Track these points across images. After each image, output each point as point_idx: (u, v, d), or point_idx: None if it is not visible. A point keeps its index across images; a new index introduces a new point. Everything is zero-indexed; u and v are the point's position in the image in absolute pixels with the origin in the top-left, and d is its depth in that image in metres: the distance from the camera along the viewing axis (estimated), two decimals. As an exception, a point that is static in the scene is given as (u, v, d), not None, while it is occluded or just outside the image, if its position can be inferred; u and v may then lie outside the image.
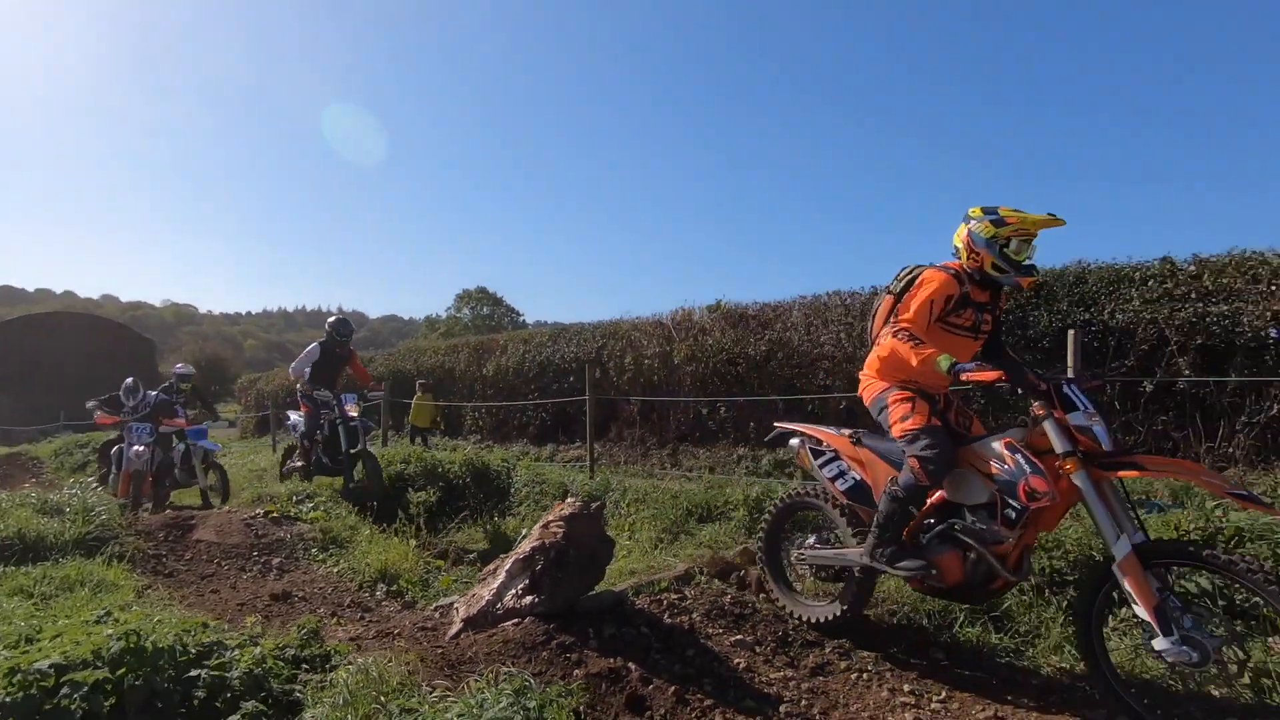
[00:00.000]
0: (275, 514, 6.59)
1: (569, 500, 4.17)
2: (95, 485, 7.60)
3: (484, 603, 3.59)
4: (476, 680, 2.45)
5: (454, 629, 3.73)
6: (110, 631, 2.32)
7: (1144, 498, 6.16)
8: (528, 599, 3.38)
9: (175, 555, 5.85)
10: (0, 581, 4.56)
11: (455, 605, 3.92)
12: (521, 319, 54.40)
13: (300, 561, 5.95)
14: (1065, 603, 3.38)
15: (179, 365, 10.64)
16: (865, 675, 3.21)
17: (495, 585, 3.58)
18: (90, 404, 8.65)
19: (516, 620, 3.32)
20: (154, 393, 8.85)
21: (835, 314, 11.05)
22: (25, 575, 4.69)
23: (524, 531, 5.30)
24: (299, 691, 2.55)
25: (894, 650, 3.44)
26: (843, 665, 3.32)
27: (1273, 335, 7.29)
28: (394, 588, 5.28)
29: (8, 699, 1.96)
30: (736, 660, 3.24)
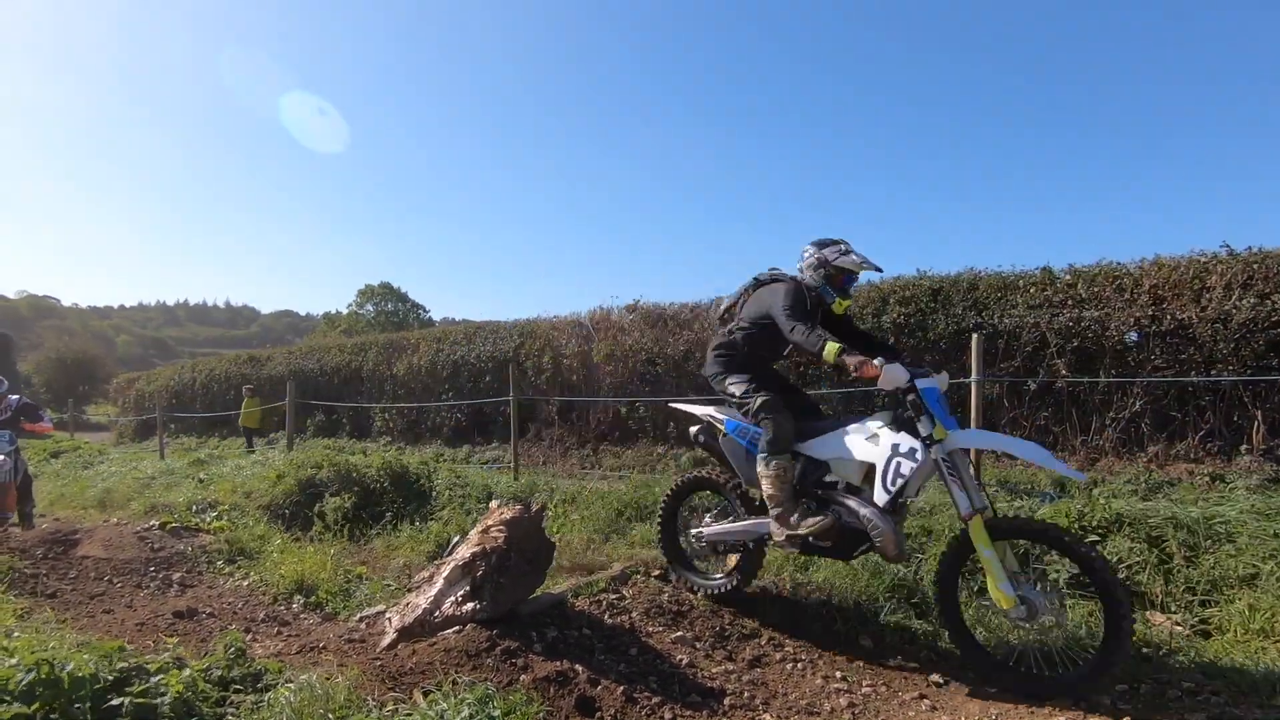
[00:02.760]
0: (173, 525, 6.12)
1: (502, 503, 4.13)
2: None
3: (420, 611, 3.49)
4: (431, 693, 2.39)
5: (387, 639, 3.61)
6: (15, 661, 2.10)
7: (1031, 487, 6.72)
8: (468, 605, 3.32)
9: (58, 574, 5.32)
10: None
11: (387, 615, 3.80)
12: (428, 315, 52.85)
13: (204, 575, 5.56)
14: (977, 588, 3.66)
15: None
16: (799, 665, 3.37)
17: (432, 593, 3.50)
18: None
19: (458, 628, 3.26)
20: (15, 396, 7.87)
21: (751, 315, 11.38)
22: (-125, 604, 4.15)
23: (454, 537, 5.18)
24: (231, 715, 2.40)
25: (824, 640, 3.62)
26: (777, 656, 3.46)
27: (1132, 338, 8.14)
28: (312, 599, 5.03)
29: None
30: (679, 657, 3.32)
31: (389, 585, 5.06)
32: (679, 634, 3.55)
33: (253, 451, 13.41)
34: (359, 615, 4.65)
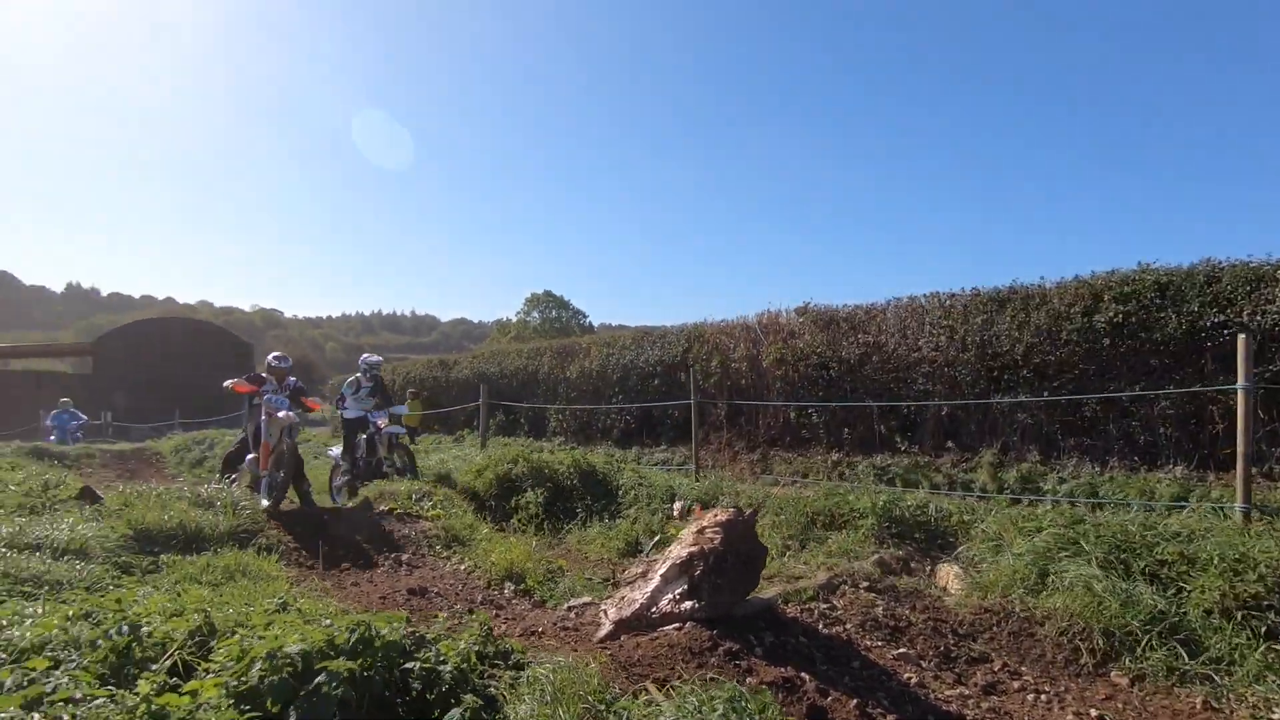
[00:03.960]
0: (398, 511, 6.86)
1: (686, 504, 4.17)
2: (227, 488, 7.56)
3: (637, 606, 3.63)
4: (668, 684, 2.48)
5: (604, 630, 3.79)
6: (331, 623, 2.46)
7: None
8: (687, 604, 3.40)
9: (312, 550, 6.15)
10: (172, 568, 4.90)
11: (602, 607, 3.98)
12: (587, 321, 55.32)
13: (426, 558, 6.16)
14: (1265, 629, 3.16)
15: (366, 355, 10.28)
16: (1043, 697, 3.09)
17: (649, 589, 3.62)
18: (227, 384, 7.95)
19: (677, 625, 3.34)
20: (293, 378, 8.29)
21: (934, 316, 10.69)
22: (191, 564, 5.02)
23: (643, 539, 5.36)
24: (493, 686, 2.63)
25: (1067, 671, 3.30)
26: (1015, 685, 3.20)
27: None
28: (521, 586, 5.40)
29: (266, 681, 2.10)
30: (905, 675, 3.17)
31: (591, 578, 5.31)
32: (901, 651, 3.39)
33: (414, 445, 15.11)
34: (567, 605, 4.92)
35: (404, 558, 6.08)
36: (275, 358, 8.27)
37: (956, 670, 3.31)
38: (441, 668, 2.42)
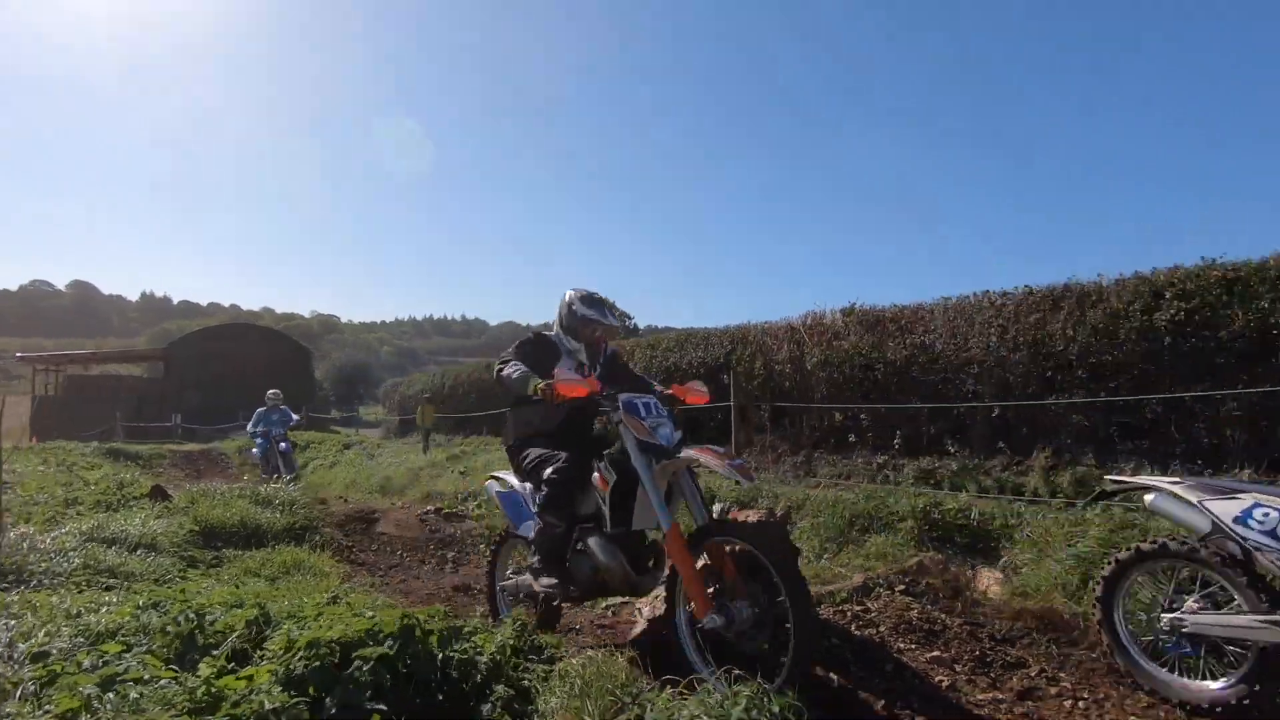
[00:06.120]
0: (446, 510, 7.08)
1: (726, 507, 4.21)
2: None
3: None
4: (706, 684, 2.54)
5: (638, 628, 3.88)
6: (373, 615, 2.61)
7: None
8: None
9: (362, 547, 6.42)
10: (233, 563, 5.20)
11: (638, 606, 4.06)
12: (633, 323, 55.48)
13: (470, 556, 6.36)
14: None
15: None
16: (1081, 704, 3.04)
17: (681, 588, 3.67)
18: (532, 382, 3.55)
19: (709, 624, 3.39)
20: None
21: (985, 315, 10.43)
22: (251, 559, 5.31)
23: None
24: (527, 679, 2.74)
25: (1108, 679, 3.23)
26: (1052, 691, 3.15)
27: None
28: (562, 585, 5.52)
29: (309, 668, 2.25)
30: (938, 678, 3.16)
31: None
32: (935, 654, 3.37)
33: (437, 445, 16.79)
34: (605, 604, 5.02)
35: (450, 555, 6.29)
36: (582, 300, 4.06)
37: (991, 675, 3.27)
38: (478, 659, 2.54)
